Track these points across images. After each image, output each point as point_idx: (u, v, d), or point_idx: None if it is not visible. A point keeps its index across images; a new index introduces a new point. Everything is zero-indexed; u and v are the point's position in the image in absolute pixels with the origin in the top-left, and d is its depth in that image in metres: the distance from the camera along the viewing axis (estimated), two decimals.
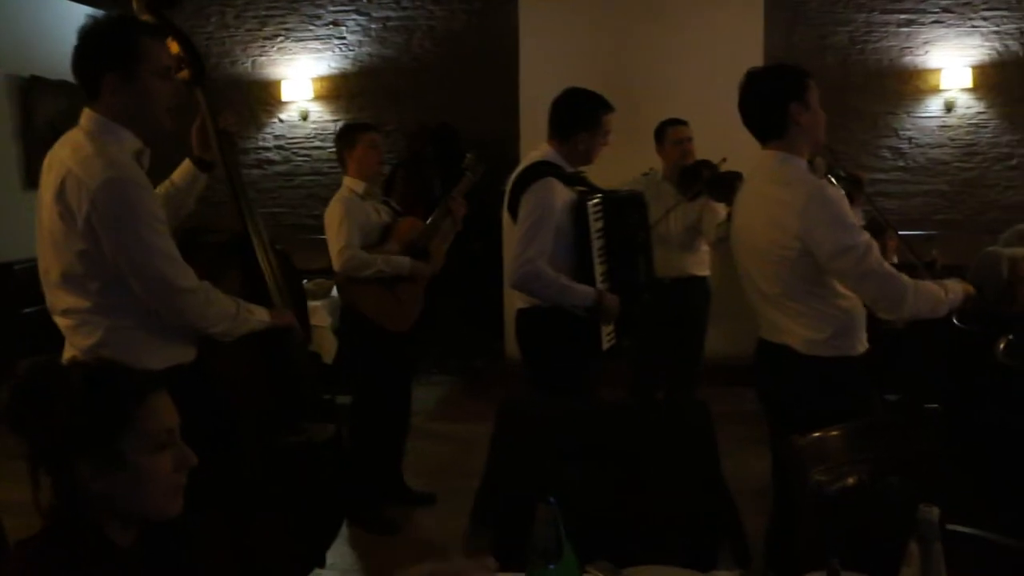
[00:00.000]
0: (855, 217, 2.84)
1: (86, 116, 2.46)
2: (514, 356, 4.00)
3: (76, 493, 1.47)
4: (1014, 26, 7.15)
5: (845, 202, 2.74)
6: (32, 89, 6.86)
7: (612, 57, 6.53)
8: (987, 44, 7.18)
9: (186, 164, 2.91)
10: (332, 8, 7.89)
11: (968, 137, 7.30)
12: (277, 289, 2.86)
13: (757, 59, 6.11)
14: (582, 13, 6.68)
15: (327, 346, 5.47)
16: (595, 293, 3.45)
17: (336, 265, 4.20)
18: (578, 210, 3.46)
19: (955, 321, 3.69)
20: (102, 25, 2.44)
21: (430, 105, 7.61)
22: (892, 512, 1.92)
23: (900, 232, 4.01)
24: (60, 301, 2.48)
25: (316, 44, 7.94)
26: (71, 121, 2.49)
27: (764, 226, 2.78)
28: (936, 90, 7.25)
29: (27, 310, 5.85)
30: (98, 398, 1.48)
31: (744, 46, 6.27)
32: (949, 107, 7.26)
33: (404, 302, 4.32)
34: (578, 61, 6.34)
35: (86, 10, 2.54)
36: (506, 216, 3.62)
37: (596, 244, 3.49)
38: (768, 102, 2.78)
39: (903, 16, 7.24)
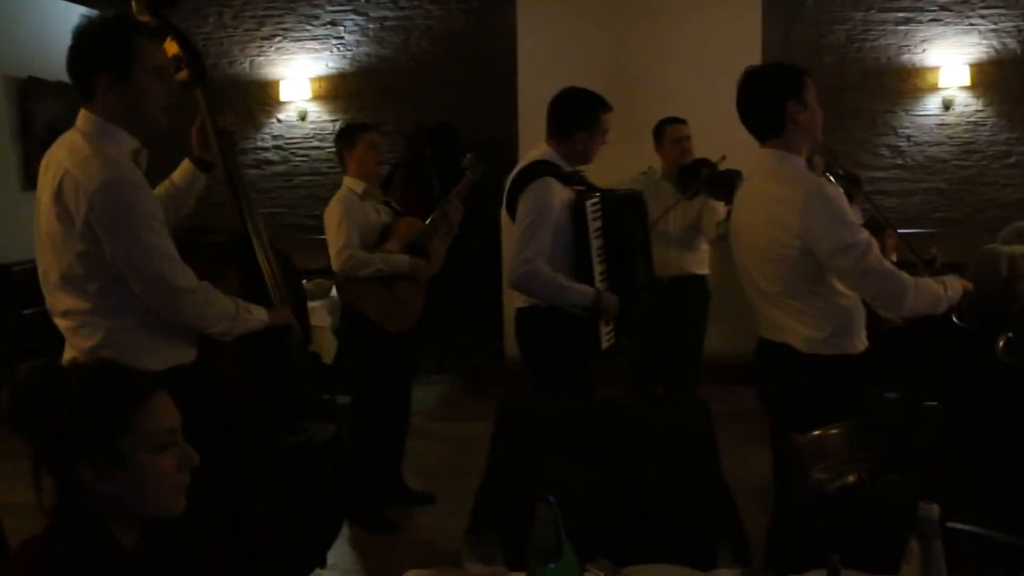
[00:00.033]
0: (854, 215, 2.84)
1: (82, 117, 2.46)
2: (513, 355, 4.01)
3: (79, 494, 1.48)
4: (1012, 24, 7.15)
5: (844, 200, 2.74)
6: (30, 90, 6.86)
7: (610, 56, 6.53)
8: (985, 42, 7.18)
9: (186, 164, 2.91)
10: (330, 8, 7.88)
11: (966, 135, 7.30)
12: (277, 289, 2.86)
13: (755, 58, 6.12)
14: (580, 12, 6.68)
15: (327, 346, 5.47)
16: (594, 292, 3.45)
17: (335, 265, 4.20)
18: (576, 209, 3.46)
19: (954, 319, 3.69)
20: (96, 25, 2.44)
21: (428, 105, 7.61)
22: (892, 510, 1.92)
23: (899, 230, 4.00)
24: (60, 303, 2.48)
25: (314, 44, 7.94)
26: (69, 122, 2.49)
27: (764, 225, 2.78)
28: (934, 88, 7.25)
29: (26, 311, 5.85)
30: (98, 399, 1.49)
31: (742, 45, 6.27)
32: (947, 105, 7.26)
33: (404, 302, 4.32)
34: (576, 60, 6.34)
35: (84, 11, 2.54)
36: (504, 216, 3.62)
37: (595, 243, 3.49)
38: (766, 101, 2.78)
39: (901, 14, 7.25)
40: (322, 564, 3.07)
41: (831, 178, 3.59)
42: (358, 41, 7.88)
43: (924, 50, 7.25)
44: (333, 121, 7.93)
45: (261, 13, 7.97)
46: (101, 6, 5.05)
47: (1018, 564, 1.85)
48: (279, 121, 8.05)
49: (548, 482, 1.80)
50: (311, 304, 4.45)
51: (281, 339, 2.83)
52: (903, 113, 7.34)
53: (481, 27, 7.64)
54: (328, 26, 7.91)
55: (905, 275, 2.70)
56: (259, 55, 8.01)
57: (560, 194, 3.45)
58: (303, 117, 7.99)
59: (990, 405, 3.31)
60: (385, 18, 7.85)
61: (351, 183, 4.32)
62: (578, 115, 3.54)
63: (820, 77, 2.95)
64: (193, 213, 2.96)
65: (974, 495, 2.33)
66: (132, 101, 2.44)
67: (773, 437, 2.94)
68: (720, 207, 4.79)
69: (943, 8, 7.19)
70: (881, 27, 7.28)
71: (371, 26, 7.87)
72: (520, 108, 6.61)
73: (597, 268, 3.50)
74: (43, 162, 2.46)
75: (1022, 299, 3.70)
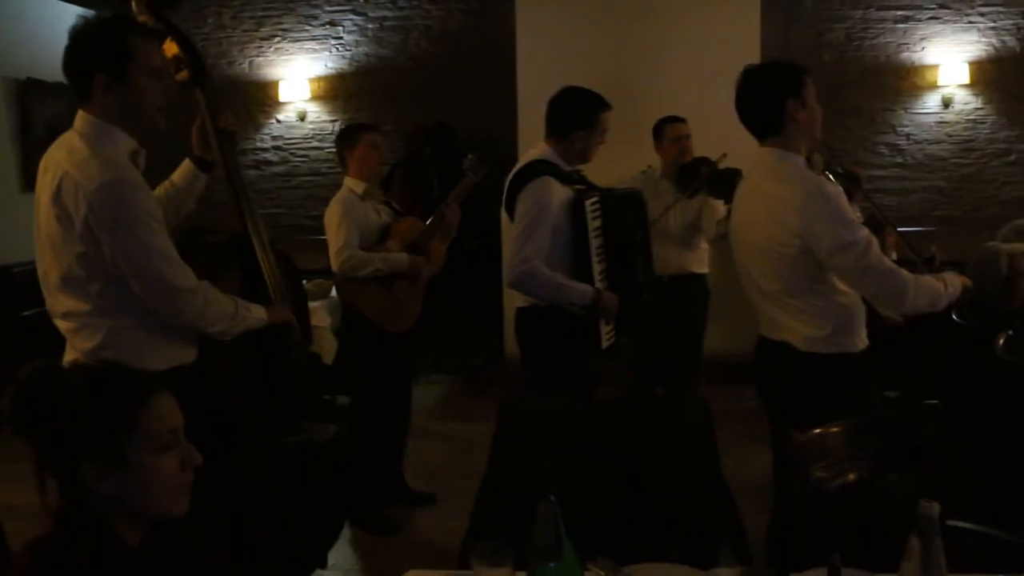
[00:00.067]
0: (853, 214, 2.84)
1: (80, 118, 2.46)
2: (513, 355, 4.01)
3: (82, 494, 1.48)
4: (1011, 22, 7.15)
5: (844, 198, 2.74)
6: (29, 91, 6.86)
7: (609, 56, 6.53)
8: (984, 40, 7.18)
9: (186, 164, 2.91)
10: (329, 8, 7.88)
11: (966, 133, 7.30)
12: (277, 289, 2.87)
13: (754, 57, 6.12)
14: (579, 12, 6.68)
15: (327, 346, 5.47)
16: (593, 291, 3.45)
17: (334, 266, 4.20)
18: (576, 209, 3.46)
19: (954, 317, 3.69)
20: (92, 26, 2.44)
21: (427, 105, 7.61)
22: (892, 508, 1.92)
23: (899, 228, 4.00)
24: (60, 304, 2.48)
25: (313, 44, 7.94)
26: (68, 123, 2.49)
27: (763, 223, 2.78)
28: (933, 86, 7.25)
29: (26, 313, 5.85)
30: (100, 400, 1.49)
31: (741, 44, 6.26)
32: (947, 103, 7.25)
33: (403, 302, 4.32)
34: (575, 60, 6.34)
35: (88, 13, 2.54)
36: (504, 215, 3.62)
37: (594, 243, 3.49)
38: (765, 99, 2.78)
39: (900, 12, 7.24)
40: (323, 564, 3.07)
41: (830, 176, 3.59)
42: (357, 41, 7.88)
43: (923, 48, 7.24)
44: (332, 121, 7.93)
45: (260, 14, 7.97)
46: (101, 7, 5.05)
47: (1019, 562, 1.85)
48: (278, 122, 8.05)
49: (549, 481, 1.80)
50: (311, 304, 4.45)
51: (280, 338, 2.83)
52: (902, 111, 7.34)
53: (480, 27, 7.63)
54: (327, 26, 7.91)
55: (905, 272, 2.70)
56: (258, 55, 8.01)
57: (559, 193, 3.45)
58: (302, 117, 7.99)
59: (990, 403, 3.31)
60: (384, 18, 7.85)
61: (352, 183, 4.32)
62: (577, 114, 3.54)
63: (819, 75, 2.95)
64: (193, 213, 2.96)
65: (974, 493, 2.33)
66: (130, 101, 2.44)
67: (773, 436, 2.94)
68: (720, 206, 4.79)
69: (942, 6, 7.18)
70: (880, 25, 7.28)
71: (370, 26, 7.87)
72: (519, 108, 6.61)
73: (596, 267, 3.50)
74: (42, 163, 2.46)
75: (1022, 297, 3.70)
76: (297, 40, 7.95)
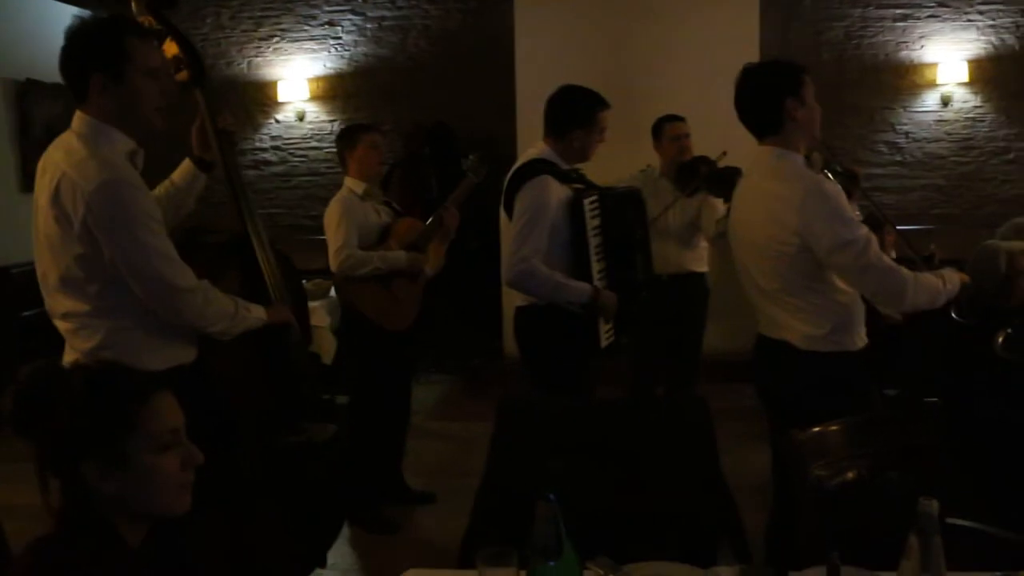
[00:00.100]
0: (852, 212, 2.84)
1: (78, 119, 2.45)
2: (513, 355, 4.01)
3: (84, 494, 1.48)
4: (1010, 20, 7.15)
5: (843, 196, 2.74)
6: (28, 92, 6.86)
7: (608, 55, 6.53)
8: (983, 38, 7.18)
9: (186, 164, 2.91)
10: (327, 8, 7.88)
11: (965, 131, 7.31)
12: (277, 289, 2.86)
13: (753, 56, 6.11)
14: (578, 11, 6.68)
15: (326, 346, 5.47)
16: (591, 290, 3.45)
17: (333, 265, 4.20)
18: (574, 207, 3.46)
19: (953, 315, 3.69)
20: (88, 26, 2.44)
21: (426, 105, 7.61)
22: (892, 506, 1.93)
23: (898, 227, 4.00)
24: (59, 305, 2.48)
25: (312, 44, 7.94)
26: (67, 124, 2.49)
27: (762, 222, 2.78)
28: (932, 85, 7.25)
29: (25, 313, 5.85)
30: (101, 400, 1.49)
31: (740, 43, 6.26)
32: (945, 101, 7.26)
33: (402, 301, 4.32)
34: (574, 59, 6.34)
35: (85, 13, 2.54)
36: (503, 215, 3.62)
37: (593, 241, 3.49)
38: (764, 98, 2.78)
39: (899, 11, 7.24)
40: (322, 564, 3.07)
41: (829, 175, 3.58)
42: (356, 41, 7.88)
43: (922, 46, 7.24)
44: (331, 121, 7.93)
45: (259, 14, 7.97)
46: (100, 7, 5.05)
47: (1017, 560, 1.85)
48: (277, 122, 8.05)
49: (548, 481, 1.80)
50: (311, 304, 4.45)
51: (280, 338, 2.83)
52: (901, 110, 7.34)
53: (479, 27, 7.63)
54: (326, 26, 7.91)
55: (905, 270, 2.70)
56: (257, 56, 8.01)
57: (557, 192, 3.45)
58: (301, 117, 7.99)
59: (989, 401, 3.31)
60: (383, 18, 7.84)
61: (351, 183, 4.32)
62: (575, 113, 3.54)
63: (818, 74, 2.95)
64: (193, 213, 2.96)
65: (973, 491, 2.33)
66: (126, 101, 2.43)
67: (772, 434, 2.94)
68: (719, 204, 4.79)
69: (941, 4, 7.19)
70: (879, 24, 7.28)
71: (369, 26, 7.87)
72: (518, 107, 6.61)
73: (595, 266, 3.50)
74: (40, 164, 2.46)
75: (1020, 295, 3.70)
76: (296, 40, 7.95)
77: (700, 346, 5.17)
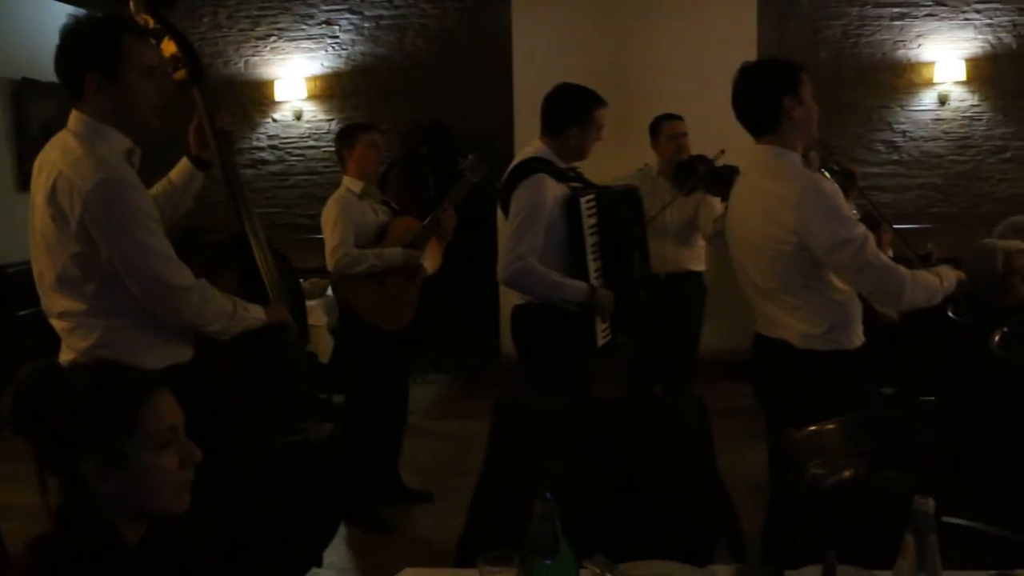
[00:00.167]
0: (850, 211, 2.84)
1: (74, 118, 2.45)
2: (510, 354, 4.00)
3: (83, 493, 1.48)
4: (1007, 19, 7.16)
5: (840, 195, 2.74)
6: (24, 91, 6.85)
7: (606, 53, 6.53)
8: (980, 37, 7.18)
9: (184, 163, 2.90)
10: (324, 7, 7.87)
11: (962, 130, 7.31)
12: (274, 288, 2.86)
13: (751, 54, 6.10)
14: (575, 10, 6.68)
15: (323, 345, 5.47)
16: (587, 289, 3.44)
17: (329, 264, 4.20)
18: (571, 206, 3.46)
19: (950, 314, 3.70)
20: (84, 25, 2.43)
21: (424, 104, 7.61)
22: (888, 505, 1.93)
23: (895, 226, 4.01)
24: (55, 304, 2.48)
25: (309, 43, 7.93)
26: (64, 123, 2.48)
27: (759, 221, 2.78)
28: (930, 83, 7.26)
29: (22, 313, 5.84)
30: (100, 399, 1.49)
31: (737, 41, 6.25)
32: (943, 100, 7.26)
33: (399, 301, 4.32)
34: (572, 58, 6.34)
35: (80, 12, 2.53)
36: (500, 213, 3.62)
37: (589, 240, 3.48)
38: (761, 96, 2.78)
39: (896, 9, 7.25)
40: (318, 563, 3.07)
41: (826, 174, 3.59)
42: (353, 40, 7.88)
43: (919, 45, 7.25)
44: (328, 120, 7.93)
45: (256, 13, 7.96)
46: (97, 6, 5.04)
47: (1013, 558, 1.86)
48: (274, 121, 8.04)
49: (545, 480, 1.80)
50: (308, 303, 4.46)
51: (278, 337, 2.83)
52: (899, 108, 7.35)
53: (476, 25, 7.63)
54: (323, 25, 7.90)
55: (902, 269, 2.70)
56: (254, 55, 8.00)
57: (554, 191, 3.45)
58: (298, 116, 7.98)
59: (986, 400, 3.31)
60: (380, 17, 7.84)
61: (350, 182, 4.32)
62: (571, 111, 3.54)
63: (816, 73, 2.95)
64: (191, 213, 2.96)
65: (970, 490, 2.33)
66: (122, 101, 2.43)
67: (769, 433, 2.94)
68: (717, 203, 4.79)
69: (938, 3, 7.19)
70: (877, 22, 7.29)
71: (366, 25, 7.86)
72: (516, 106, 6.61)
73: (592, 265, 3.49)
74: (36, 163, 2.46)
75: (1017, 294, 3.71)
76: (293, 39, 7.94)
77: (697, 345, 5.17)
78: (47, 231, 2.39)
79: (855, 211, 3.77)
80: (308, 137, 8.02)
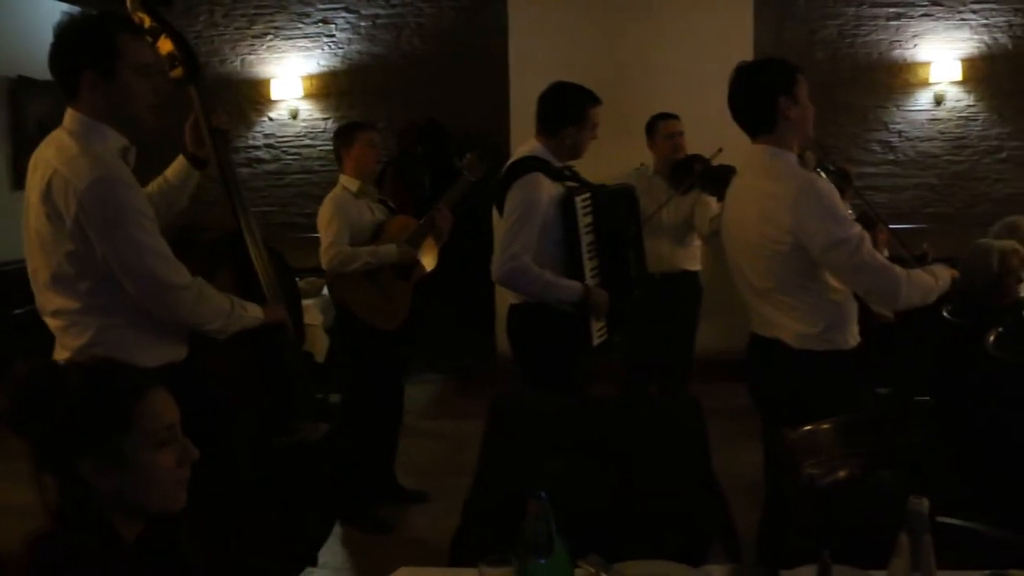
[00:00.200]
0: (846, 211, 2.84)
1: (69, 116, 2.44)
2: (505, 354, 4.01)
3: (81, 491, 1.48)
4: (1003, 19, 7.16)
5: (836, 195, 2.74)
6: (20, 89, 6.83)
7: (602, 53, 6.52)
8: (976, 37, 7.19)
9: (180, 161, 2.89)
10: (321, 6, 7.86)
11: (958, 130, 7.32)
12: (270, 287, 2.86)
13: (747, 53, 6.09)
14: (572, 9, 6.67)
15: (319, 345, 5.45)
16: (581, 289, 3.44)
17: (323, 263, 4.20)
18: (566, 205, 3.45)
19: (946, 314, 3.70)
20: (79, 22, 2.43)
21: (420, 102, 7.59)
22: (884, 505, 1.93)
23: (890, 226, 4.02)
24: (50, 302, 2.47)
25: (305, 42, 7.92)
26: (59, 121, 2.48)
27: (755, 221, 2.78)
28: (926, 83, 7.26)
29: (17, 311, 5.83)
30: (97, 398, 1.49)
31: (734, 41, 6.25)
32: (939, 100, 7.27)
33: (394, 300, 4.32)
34: (568, 57, 6.33)
35: (75, 10, 2.53)
36: (496, 213, 3.61)
37: (585, 239, 3.48)
38: (757, 96, 2.78)
39: (892, 10, 7.25)
40: (313, 563, 3.07)
41: (822, 174, 3.59)
42: (349, 39, 7.87)
43: (915, 45, 7.25)
44: (325, 119, 7.91)
45: (252, 11, 7.95)
46: (93, 4, 5.03)
47: (1007, 558, 1.86)
48: (270, 119, 8.03)
49: (540, 479, 1.80)
50: (304, 303, 4.45)
51: (275, 337, 2.82)
52: (894, 108, 7.35)
53: (473, 24, 7.62)
54: (319, 24, 7.89)
55: (898, 268, 2.71)
56: (250, 53, 7.99)
57: (549, 189, 3.44)
58: (294, 115, 7.97)
59: (981, 400, 3.31)
60: (377, 16, 7.83)
61: (346, 181, 4.32)
62: (566, 110, 3.54)
63: (812, 73, 2.95)
64: (186, 211, 2.95)
65: (964, 490, 2.34)
66: (117, 99, 2.43)
67: (765, 433, 2.94)
68: (713, 202, 4.79)
69: (934, 3, 7.20)
70: (873, 22, 7.29)
71: (362, 24, 7.85)
72: (512, 106, 6.60)
73: (587, 264, 3.49)
74: (31, 161, 2.45)
75: (1012, 294, 3.71)
76: (289, 38, 7.93)
77: (693, 345, 5.17)
78: (42, 229, 2.39)
79: (851, 211, 3.77)
80: (304, 136, 8.01)
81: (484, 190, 4.38)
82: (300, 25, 7.90)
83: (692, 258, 5.10)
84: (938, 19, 7.20)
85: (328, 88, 7.92)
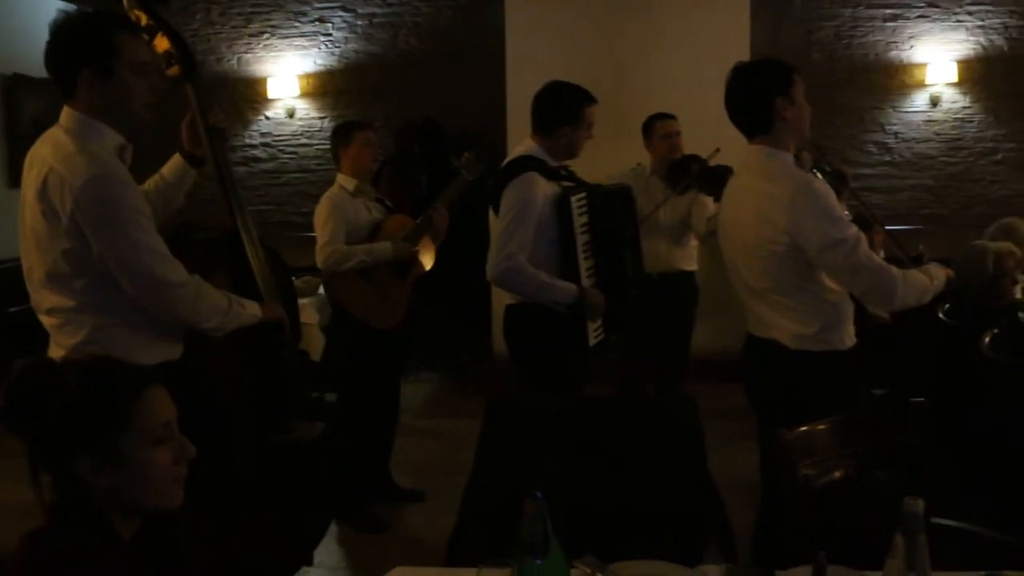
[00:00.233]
0: (842, 211, 2.85)
1: (65, 114, 2.44)
2: (502, 353, 4.00)
3: (78, 489, 1.48)
4: (998, 21, 7.18)
5: (833, 195, 2.75)
6: (16, 87, 6.83)
7: (600, 53, 6.53)
8: (972, 39, 7.20)
9: (176, 159, 2.89)
10: (318, 5, 7.86)
11: (953, 132, 7.33)
12: (267, 286, 2.85)
13: (743, 54, 6.10)
14: (569, 8, 6.67)
15: (315, 343, 5.46)
16: (576, 290, 3.43)
17: (319, 262, 4.19)
18: (561, 205, 3.45)
19: (941, 315, 3.71)
20: (76, 20, 2.42)
21: (417, 101, 7.59)
22: (879, 505, 1.93)
23: (886, 227, 4.02)
24: (45, 300, 2.47)
25: (302, 41, 7.91)
26: (55, 119, 2.47)
27: (752, 221, 2.78)
28: (921, 85, 7.28)
29: (12, 309, 5.82)
30: (94, 396, 1.49)
31: (731, 42, 6.26)
32: (934, 102, 7.28)
33: (391, 299, 4.31)
34: (565, 56, 6.33)
35: (71, 7, 2.52)
36: (492, 212, 3.61)
37: (581, 239, 3.48)
38: (754, 97, 2.78)
39: (888, 11, 7.26)
40: (309, 562, 3.06)
41: (818, 174, 3.60)
42: (346, 38, 7.86)
43: (912, 47, 7.27)
44: (321, 118, 7.91)
45: (249, 10, 7.94)
46: (89, 2, 5.02)
47: (1003, 558, 1.86)
48: (267, 118, 8.03)
49: (536, 478, 1.80)
50: (300, 301, 4.44)
51: (272, 336, 2.82)
52: (891, 110, 7.37)
53: (470, 24, 7.62)
54: (316, 23, 7.88)
55: (895, 269, 2.71)
56: (247, 52, 7.99)
57: (544, 189, 3.44)
58: (291, 114, 7.96)
59: (976, 401, 3.32)
60: (373, 15, 7.83)
61: (343, 180, 4.32)
62: (562, 109, 3.54)
63: (808, 74, 2.95)
64: (183, 210, 2.95)
65: (960, 490, 2.34)
66: (114, 97, 2.42)
67: (760, 433, 2.94)
68: (710, 203, 4.79)
69: (931, 5, 7.21)
70: (869, 24, 7.30)
71: (359, 23, 7.85)
72: (509, 105, 6.60)
73: (583, 264, 3.49)
74: (27, 159, 2.45)
75: (1007, 295, 3.72)
76: (286, 37, 7.93)
77: (689, 345, 5.17)
78: (37, 227, 2.38)
79: (847, 212, 3.78)
80: (301, 135, 8.00)
81: (481, 189, 4.38)
82: (297, 24, 7.90)
83: (689, 258, 5.10)
84: (934, 21, 7.22)
85: (325, 87, 7.92)
